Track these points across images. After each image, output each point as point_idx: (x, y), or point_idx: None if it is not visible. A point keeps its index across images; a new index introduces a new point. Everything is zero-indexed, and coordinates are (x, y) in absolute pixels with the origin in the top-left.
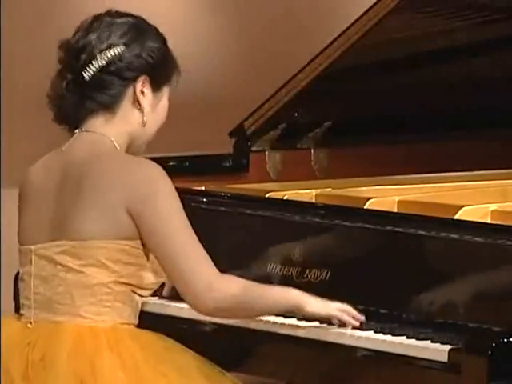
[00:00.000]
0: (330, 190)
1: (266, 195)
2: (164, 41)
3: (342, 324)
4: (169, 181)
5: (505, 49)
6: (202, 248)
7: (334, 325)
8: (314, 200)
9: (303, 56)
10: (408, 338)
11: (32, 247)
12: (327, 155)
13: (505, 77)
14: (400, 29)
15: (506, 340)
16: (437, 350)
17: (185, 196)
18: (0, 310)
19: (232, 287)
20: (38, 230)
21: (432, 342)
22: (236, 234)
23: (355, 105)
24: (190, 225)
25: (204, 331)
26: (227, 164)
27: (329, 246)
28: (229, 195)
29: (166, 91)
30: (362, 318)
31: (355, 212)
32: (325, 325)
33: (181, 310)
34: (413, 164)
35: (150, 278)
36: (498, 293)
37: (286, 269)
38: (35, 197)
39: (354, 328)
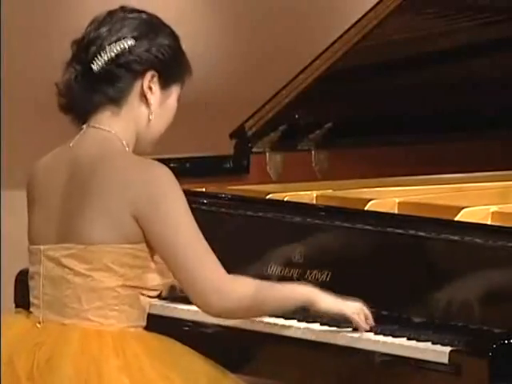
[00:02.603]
0: (330, 191)
1: (267, 196)
2: (176, 40)
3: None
4: (177, 184)
5: (505, 50)
6: (209, 250)
7: (332, 326)
8: (314, 201)
9: (304, 56)
10: (409, 339)
11: (41, 247)
12: (328, 156)
13: (505, 78)
14: (401, 30)
15: (506, 341)
16: (437, 352)
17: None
18: (0, 310)
19: (240, 289)
20: (47, 230)
21: (433, 343)
22: (237, 236)
23: (356, 106)
24: (197, 227)
25: (206, 333)
26: (228, 165)
27: (329, 248)
28: (229, 196)
29: (174, 90)
30: (372, 322)
31: (356, 213)
32: (325, 327)
33: (183, 311)
34: (413, 165)
35: (156, 279)
36: (498, 294)
37: (286, 270)
38: (43, 195)
39: (355, 329)
